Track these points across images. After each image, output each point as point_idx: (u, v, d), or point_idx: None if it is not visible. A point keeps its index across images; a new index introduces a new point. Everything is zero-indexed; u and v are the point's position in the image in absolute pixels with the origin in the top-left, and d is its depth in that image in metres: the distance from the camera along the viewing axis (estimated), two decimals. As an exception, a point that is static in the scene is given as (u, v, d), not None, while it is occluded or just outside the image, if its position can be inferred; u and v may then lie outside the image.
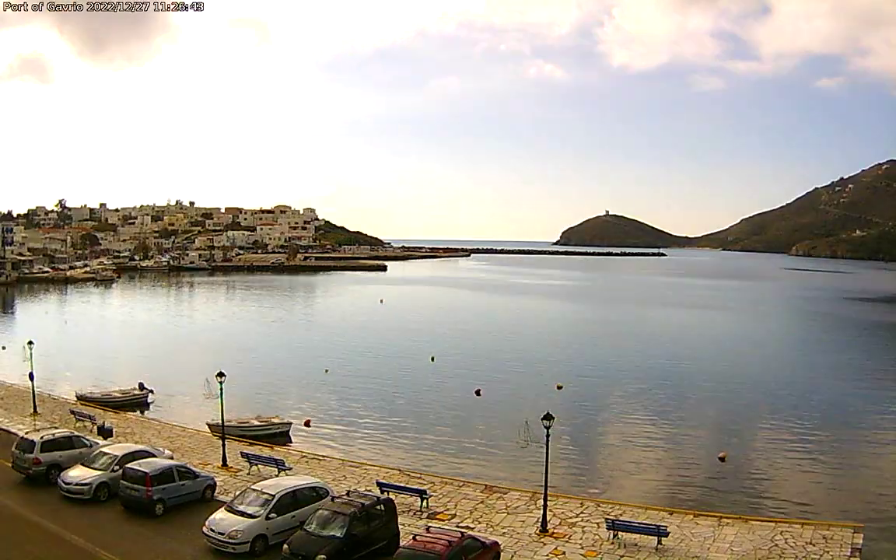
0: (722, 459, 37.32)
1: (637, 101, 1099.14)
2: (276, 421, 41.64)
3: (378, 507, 22.41)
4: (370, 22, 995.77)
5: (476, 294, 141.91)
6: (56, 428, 33.45)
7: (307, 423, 43.19)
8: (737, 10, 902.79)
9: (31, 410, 39.48)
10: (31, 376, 39.43)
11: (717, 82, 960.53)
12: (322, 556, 19.82)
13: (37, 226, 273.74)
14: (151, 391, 49.20)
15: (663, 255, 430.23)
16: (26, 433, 31.15)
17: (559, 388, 53.86)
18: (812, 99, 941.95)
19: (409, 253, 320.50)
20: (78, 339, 77.54)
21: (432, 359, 65.41)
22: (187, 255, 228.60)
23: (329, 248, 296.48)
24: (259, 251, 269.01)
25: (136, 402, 47.40)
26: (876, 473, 36.58)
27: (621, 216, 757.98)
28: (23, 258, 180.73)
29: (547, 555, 22.61)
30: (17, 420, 38.27)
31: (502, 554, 22.10)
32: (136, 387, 49.20)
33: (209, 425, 38.86)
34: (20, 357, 45.26)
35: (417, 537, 20.07)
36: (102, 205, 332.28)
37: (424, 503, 26.73)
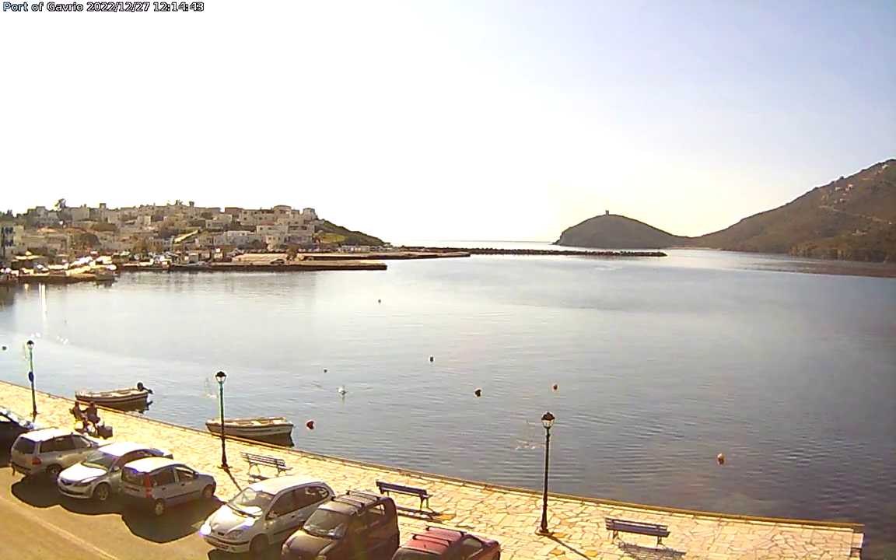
0: (720, 461, 37.33)
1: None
2: (277, 422, 41.55)
3: (378, 507, 22.36)
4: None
5: (474, 294, 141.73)
6: (56, 428, 33.49)
7: (310, 425, 43.12)
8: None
9: (31, 410, 39.42)
10: (30, 376, 39.36)
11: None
12: (322, 556, 19.81)
13: (37, 226, 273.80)
14: (150, 391, 49.31)
15: (663, 255, 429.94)
16: (26, 433, 31.12)
17: (555, 388, 53.98)
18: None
19: (408, 253, 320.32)
20: (77, 339, 77.46)
21: (431, 359, 65.52)
22: (187, 254, 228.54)
23: (328, 248, 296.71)
24: (259, 251, 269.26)
25: (135, 402, 47.45)
26: (876, 473, 36.58)
27: (621, 216, 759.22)
28: (23, 258, 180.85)
29: (547, 555, 22.59)
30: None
31: (502, 554, 22.08)
32: (136, 387, 49.31)
33: (208, 425, 38.82)
34: (20, 357, 45.19)
35: (417, 537, 20.03)
36: (102, 205, 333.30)
37: (424, 503, 26.70)
